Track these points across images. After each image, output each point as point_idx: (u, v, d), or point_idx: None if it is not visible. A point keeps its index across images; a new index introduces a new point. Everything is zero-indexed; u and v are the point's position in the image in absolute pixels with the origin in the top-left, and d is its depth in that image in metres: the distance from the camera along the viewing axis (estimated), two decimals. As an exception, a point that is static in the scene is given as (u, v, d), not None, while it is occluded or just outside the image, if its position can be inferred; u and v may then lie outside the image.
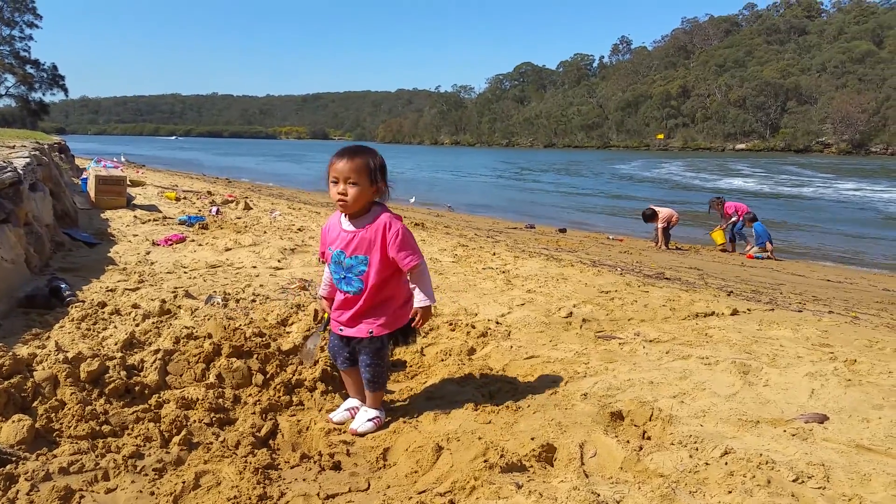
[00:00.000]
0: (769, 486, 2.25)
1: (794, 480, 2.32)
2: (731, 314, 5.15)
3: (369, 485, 2.48)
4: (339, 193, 2.78)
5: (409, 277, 2.97)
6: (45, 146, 11.60)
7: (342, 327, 3.00)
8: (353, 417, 3.06)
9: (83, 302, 4.59)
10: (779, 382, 3.40)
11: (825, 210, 24.33)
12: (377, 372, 3.02)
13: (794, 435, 2.75)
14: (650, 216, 13.97)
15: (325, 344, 3.33)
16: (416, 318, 2.95)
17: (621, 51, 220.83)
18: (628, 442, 2.64)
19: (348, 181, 2.77)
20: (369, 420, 2.99)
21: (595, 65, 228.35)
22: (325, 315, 3.21)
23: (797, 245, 15.27)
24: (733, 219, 13.91)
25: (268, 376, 3.38)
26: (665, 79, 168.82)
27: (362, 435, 2.95)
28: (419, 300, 2.93)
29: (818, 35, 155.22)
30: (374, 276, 2.86)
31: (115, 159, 23.66)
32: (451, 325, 4.56)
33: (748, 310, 5.42)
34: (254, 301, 5.04)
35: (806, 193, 32.16)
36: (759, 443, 2.67)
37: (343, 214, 2.92)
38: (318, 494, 2.34)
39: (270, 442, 2.84)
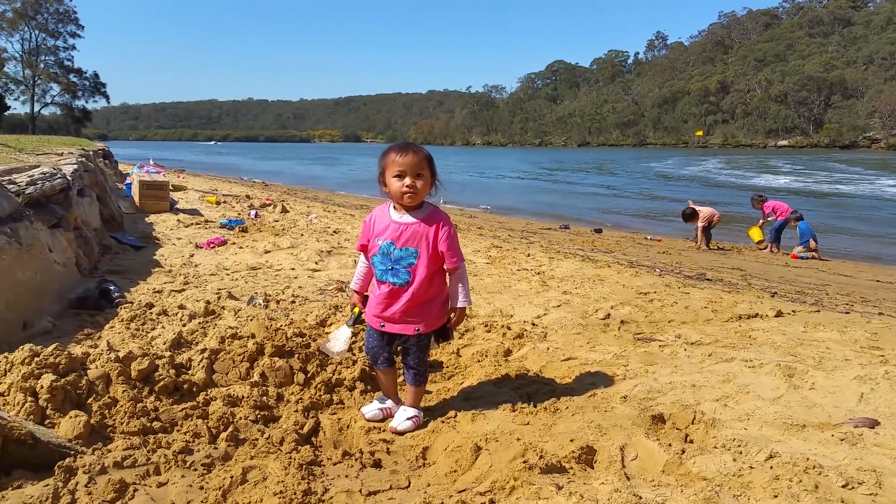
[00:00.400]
0: (817, 492, 2.20)
1: (843, 486, 2.26)
2: (776, 316, 5.07)
3: (410, 483, 2.51)
4: (407, 186, 2.83)
5: (448, 278, 3.04)
6: (91, 152, 11.93)
7: (384, 323, 3.02)
8: (384, 417, 3.11)
9: (132, 303, 4.72)
10: (826, 386, 3.33)
11: (864, 208, 23.54)
12: (422, 369, 3.10)
13: (842, 440, 2.69)
14: (690, 215, 13.75)
15: (361, 341, 3.37)
16: (453, 318, 3.03)
17: (657, 46, 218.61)
18: (670, 445, 2.62)
19: (416, 174, 2.85)
20: (408, 419, 3.03)
21: (630, 61, 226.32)
22: (356, 310, 3.23)
23: (839, 245, 14.84)
24: (770, 218, 13.63)
25: (309, 375, 3.44)
26: (703, 74, 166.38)
27: (402, 433, 2.99)
28: (458, 301, 3.01)
29: (864, 26, 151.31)
30: (422, 270, 2.91)
31: (154, 164, 24.24)
32: (486, 326, 4.58)
33: (793, 311, 5.33)
34: (293, 302, 5.13)
35: (845, 191, 31.29)
36: (805, 447, 2.62)
37: (392, 206, 2.98)
38: (360, 491, 2.37)
39: (313, 439, 2.90)
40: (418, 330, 3.00)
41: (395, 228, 2.92)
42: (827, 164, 58.61)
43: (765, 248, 13.48)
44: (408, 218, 2.93)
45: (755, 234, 13.71)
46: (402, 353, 3.12)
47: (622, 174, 46.47)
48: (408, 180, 2.83)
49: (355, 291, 3.21)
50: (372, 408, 3.14)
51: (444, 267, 2.98)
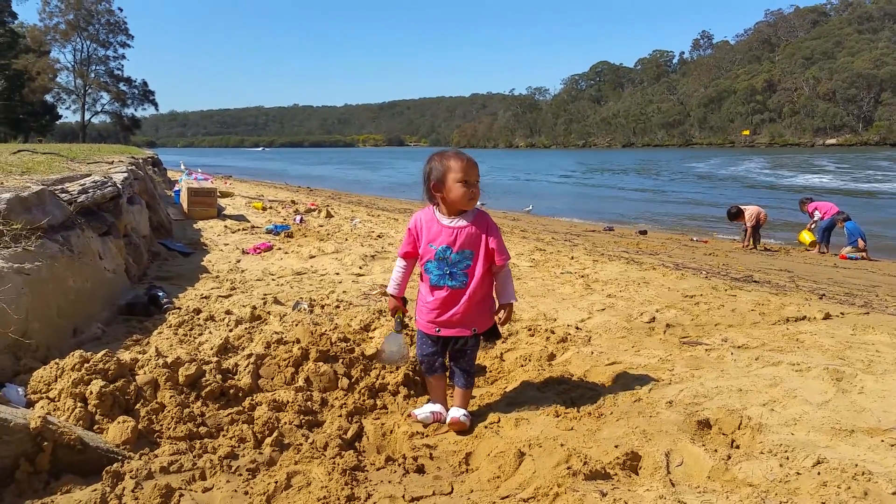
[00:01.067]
0: (866, 498, 2.15)
1: (893, 493, 2.21)
2: (824, 318, 4.96)
3: (453, 488, 2.51)
4: (473, 192, 2.96)
5: (495, 276, 3.09)
6: (140, 160, 12.20)
7: (439, 328, 3.06)
8: (434, 420, 3.11)
9: (180, 309, 4.82)
10: (875, 390, 3.24)
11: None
12: (473, 370, 3.21)
13: (893, 445, 2.61)
14: (735, 214, 13.51)
15: (413, 345, 3.39)
16: (502, 316, 3.07)
17: (702, 46, 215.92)
18: (716, 451, 2.58)
19: (476, 180, 2.98)
20: (465, 415, 3.09)
21: (675, 61, 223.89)
22: (400, 314, 3.26)
23: (887, 245, 14.32)
24: (815, 218, 13.29)
25: (353, 380, 3.46)
26: (749, 73, 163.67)
27: (464, 426, 3.03)
28: (506, 297, 3.09)
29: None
30: (478, 271, 2.99)
31: (184, 167, 24.77)
32: (530, 330, 4.56)
33: (841, 314, 5.21)
34: (338, 307, 5.17)
35: (884, 189, 30.28)
36: (854, 452, 2.56)
37: (436, 211, 3.04)
38: (403, 496, 2.38)
39: (356, 444, 2.91)
40: (475, 330, 3.08)
41: (450, 233, 2.98)
42: (873, 161, 57.14)
43: (814, 250, 13.15)
44: (459, 222, 3.00)
45: (805, 237, 13.36)
46: (453, 356, 3.16)
47: (661, 175, 45.59)
48: (472, 188, 2.95)
49: (393, 296, 3.24)
50: (424, 410, 3.15)
51: (494, 264, 3.04)
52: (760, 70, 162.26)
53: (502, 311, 3.08)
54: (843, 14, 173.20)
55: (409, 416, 3.15)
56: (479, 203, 3.09)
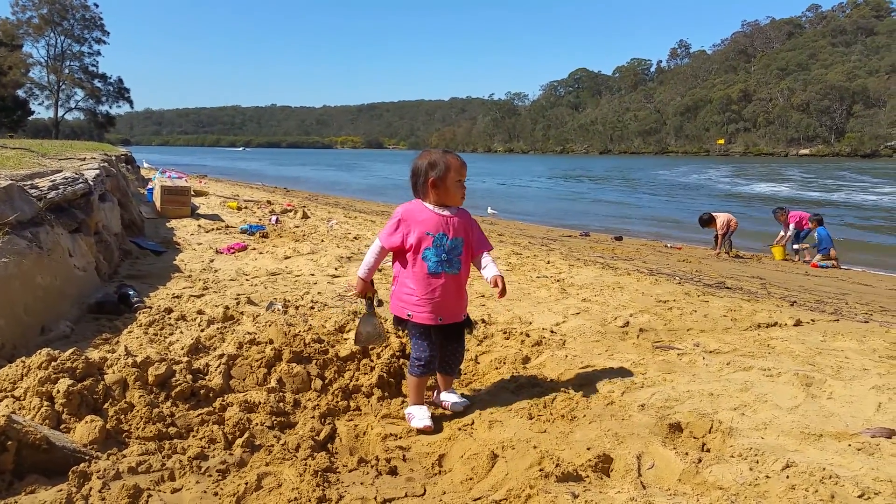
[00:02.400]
0: (833, 501, 2.18)
1: (859, 496, 2.24)
2: (795, 325, 5.02)
3: (425, 490, 2.50)
4: (464, 192, 3.16)
5: (483, 259, 3.21)
6: (113, 158, 12.05)
7: (441, 317, 3.10)
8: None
9: (150, 308, 4.76)
10: (843, 395, 3.29)
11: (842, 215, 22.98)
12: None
13: (859, 449, 2.65)
14: (707, 221, 13.63)
15: (382, 325, 3.48)
16: (500, 287, 3.09)
17: (680, 55, 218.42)
18: (687, 454, 2.59)
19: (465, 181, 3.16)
20: (461, 400, 3.26)
21: (652, 69, 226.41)
22: (370, 294, 3.31)
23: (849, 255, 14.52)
24: (790, 231, 13.41)
25: (326, 381, 3.44)
26: (725, 83, 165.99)
27: (460, 411, 3.20)
28: (494, 271, 3.15)
29: (888, 35, 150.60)
30: (466, 257, 3.16)
31: (147, 165, 24.53)
32: (505, 333, 4.56)
33: (812, 320, 5.28)
34: (312, 308, 5.14)
35: (833, 199, 30.83)
36: (822, 457, 2.59)
37: (424, 203, 3.12)
38: (375, 498, 2.36)
39: (329, 446, 2.89)
40: (466, 316, 3.26)
41: (443, 221, 3.08)
42: (837, 172, 58.27)
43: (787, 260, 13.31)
44: (447, 211, 3.11)
45: (778, 252, 13.47)
46: (449, 343, 3.24)
47: (619, 181, 45.79)
48: (463, 186, 3.15)
49: (363, 279, 3.28)
50: (423, 415, 3.10)
51: (482, 251, 3.21)
52: (736, 80, 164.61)
53: (499, 280, 3.07)
54: (818, 27, 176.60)
55: (422, 428, 3.06)
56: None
